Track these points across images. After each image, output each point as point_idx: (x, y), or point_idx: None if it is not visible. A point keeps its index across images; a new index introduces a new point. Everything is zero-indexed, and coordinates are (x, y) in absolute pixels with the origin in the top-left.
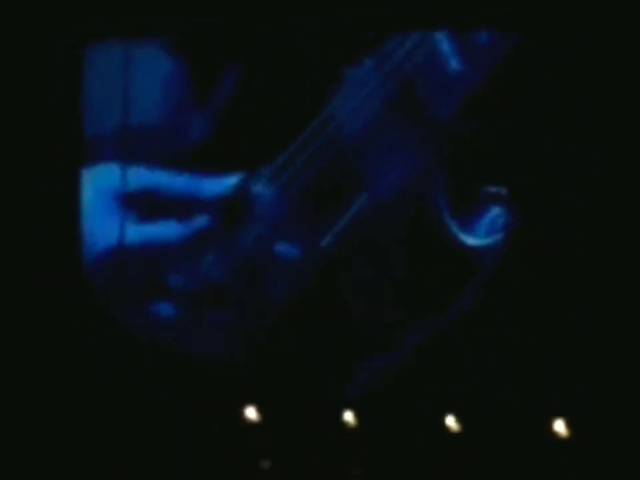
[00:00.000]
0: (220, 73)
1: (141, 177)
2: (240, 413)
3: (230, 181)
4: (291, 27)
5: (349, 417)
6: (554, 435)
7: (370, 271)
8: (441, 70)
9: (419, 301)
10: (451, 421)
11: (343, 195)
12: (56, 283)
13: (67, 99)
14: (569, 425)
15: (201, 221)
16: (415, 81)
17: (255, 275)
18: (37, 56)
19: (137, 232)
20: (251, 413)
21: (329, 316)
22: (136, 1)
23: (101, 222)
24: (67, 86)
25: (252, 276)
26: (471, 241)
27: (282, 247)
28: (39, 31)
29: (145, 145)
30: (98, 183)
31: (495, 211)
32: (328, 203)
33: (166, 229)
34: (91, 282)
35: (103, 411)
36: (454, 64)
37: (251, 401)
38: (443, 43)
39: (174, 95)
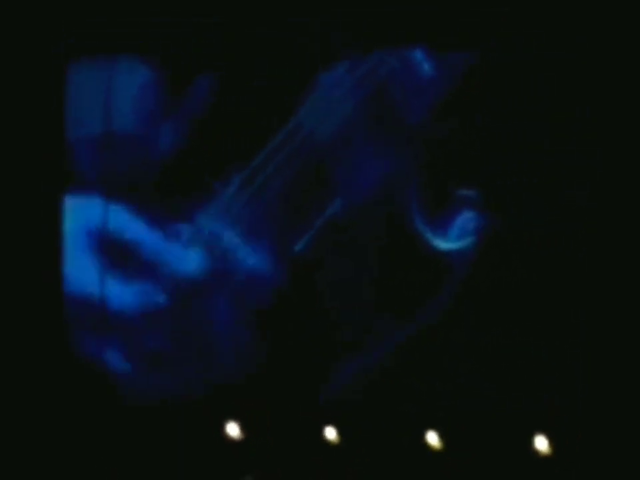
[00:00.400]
0: (192, 83)
1: (120, 222)
2: (221, 429)
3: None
4: (262, 33)
5: (330, 433)
6: (535, 450)
7: (344, 275)
8: (414, 74)
9: (394, 304)
10: (432, 437)
11: (316, 200)
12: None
13: (49, 113)
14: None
15: (162, 297)
16: (387, 86)
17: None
18: (19, 73)
19: (114, 286)
20: (232, 429)
21: (304, 321)
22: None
23: (81, 260)
24: (50, 101)
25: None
26: (443, 244)
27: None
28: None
29: (122, 156)
30: (79, 216)
31: (467, 215)
32: (301, 208)
33: (132, 296)
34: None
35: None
36: (427, 68)
37: (232, 417)
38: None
39: (147, 105)
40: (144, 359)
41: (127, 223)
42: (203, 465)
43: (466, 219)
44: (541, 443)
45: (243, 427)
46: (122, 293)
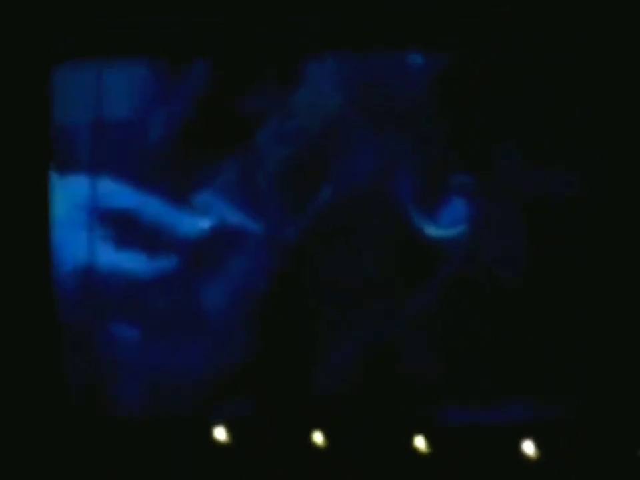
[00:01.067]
0: (185, 71)
1: (113, 194)
2: (209, 434)
3: (204, 224)
4: (255, 23)
5: (318, 437)
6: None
7: (335, 262)
8: (407, 62)
9: (385, 292)
10: (419, 441)
11: (306, 187)
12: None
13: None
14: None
15: (167, 261)
16: (380, 73)
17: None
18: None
19: (107, 256)
20: (220, 433)
21: (294, 309)
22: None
23: (71, 236)
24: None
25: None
26: (435, 232)
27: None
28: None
29: (114, 143)
30: (68, 194)
31: (459, 201)
32: (291, 195)
33: (134, 262)
34: (59, 296)
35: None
36: (419, 59)
37: (219, 421)
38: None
39: (140, 92)
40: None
41: (120, 195)
42: (190, 469)
43: (458, 205)
44: (529, 448)
45: (230, 432)
46: (120, 260)
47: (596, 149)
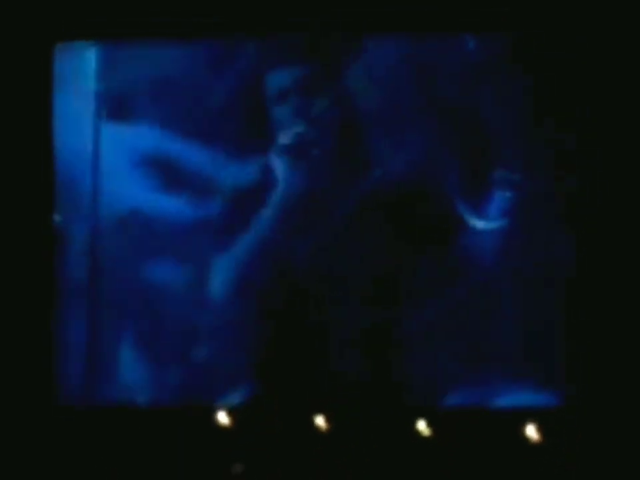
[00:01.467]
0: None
1: (161, 141)
2: (212, 417)
3: (250, 170)
4: None
5: (320, 420)
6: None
7: (375, 251)
8: (460, 52)
9: (426, 282)
10: (421, 425)
11: (353, 170)
12: None
13: None
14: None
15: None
16: (435, 61)
17: None
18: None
19: (150, 199)
20: (222, 417)
21: (325, 293)
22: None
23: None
24: None
25: None
26: (479, 224)
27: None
28: None
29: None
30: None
31: (504, 195)
32: (340, 177)
33: (178, 206)
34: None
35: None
36: (471, 45)
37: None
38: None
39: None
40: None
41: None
42: (193, 453)
43: (503, 198)
44: (531, 432)
45: (233, 415)
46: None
47: (596, 149)
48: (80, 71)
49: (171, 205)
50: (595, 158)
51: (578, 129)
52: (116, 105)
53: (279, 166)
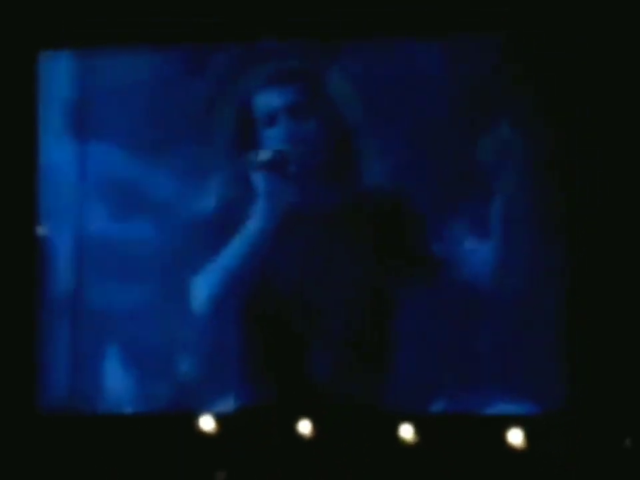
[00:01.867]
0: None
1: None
2: (195, 423)
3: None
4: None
5: (304, 426)
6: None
7: (361, 259)
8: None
9: (409, 290)
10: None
11: (336, 181)
12: None
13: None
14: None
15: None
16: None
17: None
18: None
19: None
20: (206, 422)
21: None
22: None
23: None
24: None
25: None
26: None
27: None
28: None
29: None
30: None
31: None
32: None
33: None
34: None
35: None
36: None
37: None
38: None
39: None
40: None
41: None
42: (176, 459)
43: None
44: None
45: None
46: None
47: (596, 149)
48: (59, 79)
49: (140, 228)
50: (595, 159)
51: (578, 129)
52: (82, 119)
53: (259, 181)
